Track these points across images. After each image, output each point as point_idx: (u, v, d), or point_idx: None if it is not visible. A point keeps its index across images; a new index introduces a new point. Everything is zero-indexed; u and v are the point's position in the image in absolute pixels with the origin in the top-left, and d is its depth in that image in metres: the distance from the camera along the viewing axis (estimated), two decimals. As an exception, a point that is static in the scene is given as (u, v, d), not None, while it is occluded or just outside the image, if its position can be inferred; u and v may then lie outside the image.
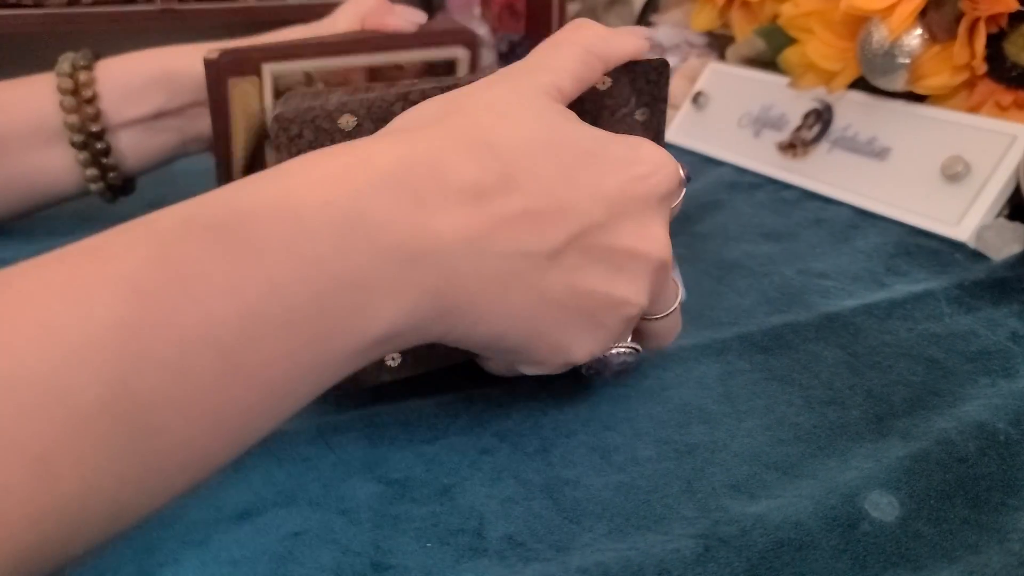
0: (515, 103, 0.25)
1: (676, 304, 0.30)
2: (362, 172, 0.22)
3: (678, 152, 0.67)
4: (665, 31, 0.74)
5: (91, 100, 0.42)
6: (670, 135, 0.69)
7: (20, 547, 0.17)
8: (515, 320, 0.24)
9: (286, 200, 0.21)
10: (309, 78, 0.46)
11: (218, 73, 0.42)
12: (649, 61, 0.31)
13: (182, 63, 0.43)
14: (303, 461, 0.28)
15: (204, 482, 0.21)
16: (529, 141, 0.24)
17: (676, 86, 0.71)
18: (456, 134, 0.24)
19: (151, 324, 0.18)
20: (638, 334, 0.30)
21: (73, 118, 0.42)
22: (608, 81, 0.31)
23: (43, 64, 0.44)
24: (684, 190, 0.29)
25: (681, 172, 0.28)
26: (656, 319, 0.29)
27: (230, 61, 0.42)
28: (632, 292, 0.26)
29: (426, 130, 0.24)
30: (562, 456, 0.29)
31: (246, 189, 0.21)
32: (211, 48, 0.43)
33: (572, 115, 0.27)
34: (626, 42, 0.30)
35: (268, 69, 0.43)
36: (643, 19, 0.82)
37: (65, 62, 0.43)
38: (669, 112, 0.71)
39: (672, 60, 0.73)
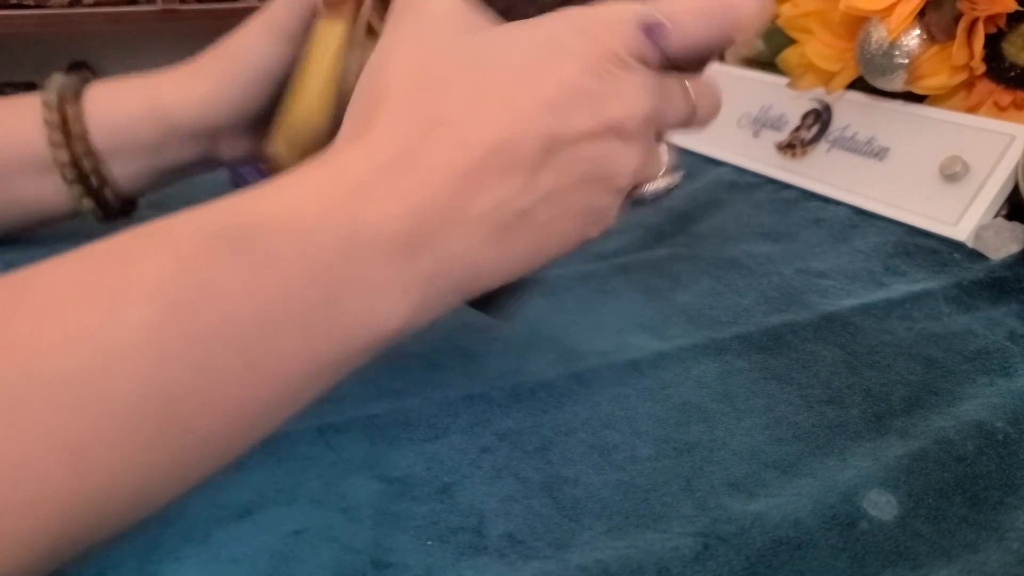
0: (433, 59, 0.25)
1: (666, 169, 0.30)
2: (343, 183, 0.23)
3: (677, 152, 0.67)
4: (665, 31, 0.74)
5: (81, 136, 0.38)
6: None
7: (51, 534, 0.19)
8: (518, 258, 0.26)
9: (288, 212, 0.22)
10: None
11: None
12: None
13: (172, 98, 0.39)
14: (304, 459, 0.28)
15: (224, 468, 0.22)
16: (458, 97, 0.24)
17: (676, 86, 0.71)
18: (410, 120, 0.24)
19: (175, 326, 0.20)
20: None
21: (63, 154, 0.38)
22: None
23: (44, 64, 0.42)
24: (662, 25, 0.26)
25: (634, 19, 0.26)
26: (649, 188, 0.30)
27: None
28: (615, 168, 0.26)
29: (384, 125, 0.24)
30: (562, 454, 0.29)
31: (248, 203, 0.23)
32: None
33: (488, 31, 0.26)
34: None
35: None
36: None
37: (52, 91, 0.39)
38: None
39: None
